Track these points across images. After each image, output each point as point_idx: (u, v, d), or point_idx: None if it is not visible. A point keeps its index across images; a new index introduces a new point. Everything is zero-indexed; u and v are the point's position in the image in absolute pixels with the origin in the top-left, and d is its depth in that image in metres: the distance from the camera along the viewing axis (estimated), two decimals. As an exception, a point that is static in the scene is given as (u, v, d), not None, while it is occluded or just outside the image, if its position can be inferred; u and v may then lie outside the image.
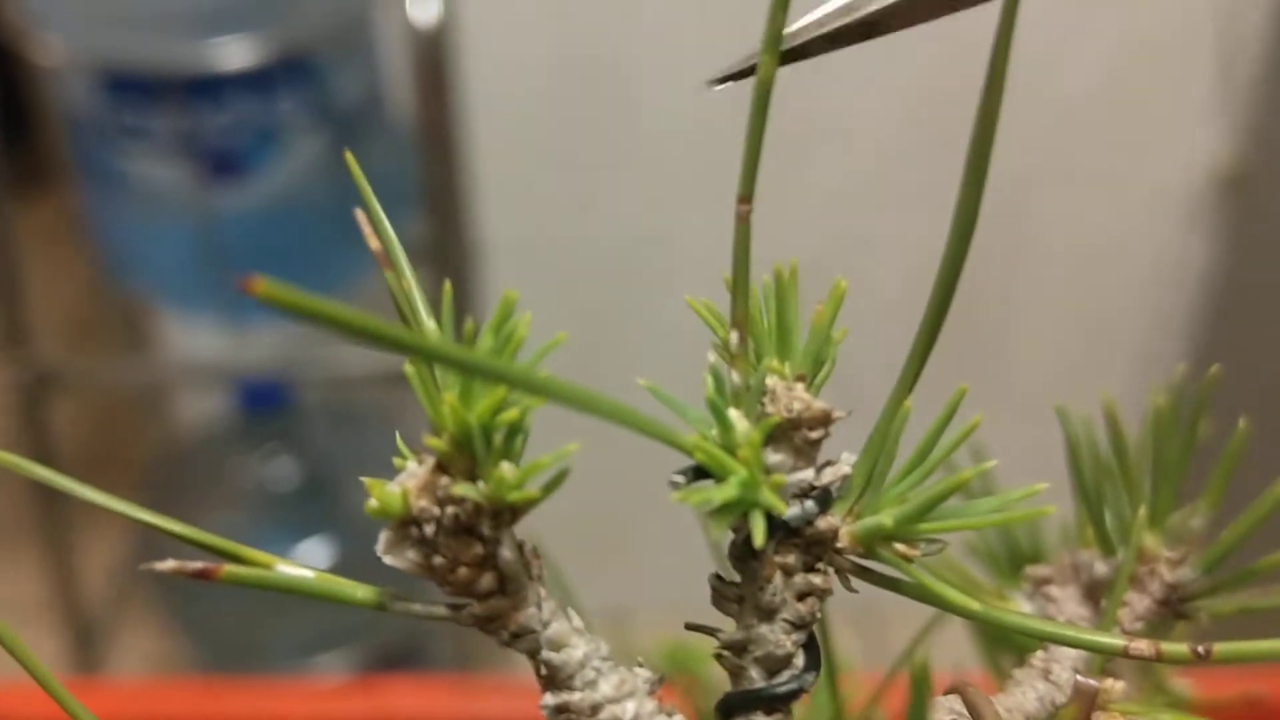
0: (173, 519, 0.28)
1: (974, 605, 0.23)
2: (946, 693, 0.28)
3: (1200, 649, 0.24)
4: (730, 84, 0.27)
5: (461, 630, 0.25)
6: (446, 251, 1.21)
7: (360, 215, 0.29)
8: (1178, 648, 0.24)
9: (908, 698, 0.26)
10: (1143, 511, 0.31)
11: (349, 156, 0.28)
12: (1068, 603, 0.34)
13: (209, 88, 1.16)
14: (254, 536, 1.42)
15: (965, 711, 0.27)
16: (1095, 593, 0.34)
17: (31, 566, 1.34)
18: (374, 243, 0.29)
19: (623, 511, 1.58)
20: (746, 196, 0.22)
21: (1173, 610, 0.32)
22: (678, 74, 1.37)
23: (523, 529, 0.25)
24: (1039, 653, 0.30)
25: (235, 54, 1.13)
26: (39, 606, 1.35)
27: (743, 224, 0.23)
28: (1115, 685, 0.31)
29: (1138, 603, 0.32)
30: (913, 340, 0.24)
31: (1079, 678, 0.30)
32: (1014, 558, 0.43)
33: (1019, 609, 0.34)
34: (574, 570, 0.50)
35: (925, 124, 1.37)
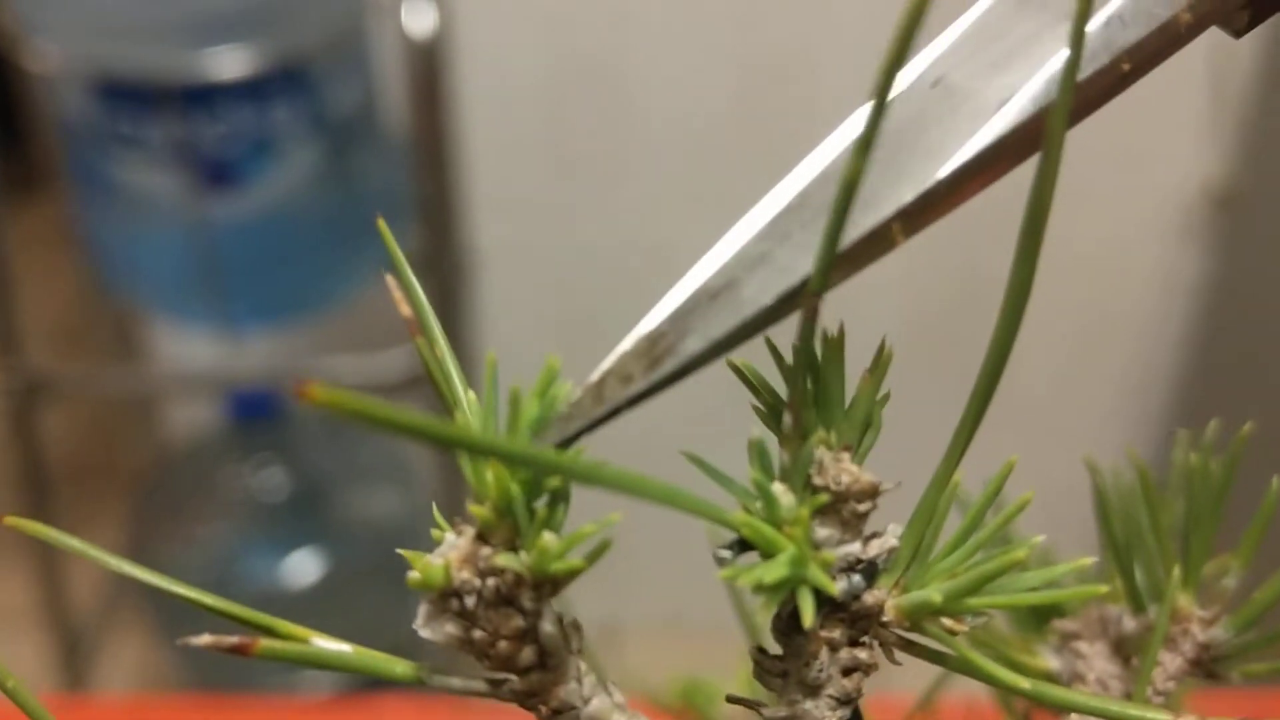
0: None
1: (1024, 684, 0.23)
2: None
3: (1249, 727, 0.24)
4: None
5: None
6: (441, 261, 1.20)
7: (391, 280, 0.29)
8: (1226, 725, 0.24)
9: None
10: (1177, 571, 0.31)
11: (385, 230, 0.28)
12: (1096, 659, 0.33)
13: (204, 97, 1.15)
14: (244, 546, 1.42)
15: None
16: (1123, 648, 0.34)
17: (20, 576, 1.33)
18: (405, 309, 0.28)
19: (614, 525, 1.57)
20: (819, 291, 0.22)
21: (1204, 670, 0.32)
22: (673, 84, 1.37)
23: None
24: (1073, 715, 0.30)
25: (231, 63, 1.13)
26: (26, 617, 1.35)
27: (810, 318, 0.22)
28: (1149, 749, 0.30)
29: (1169, 662, 0.32)
30: (961, 414, 0.24)
31: (1115, 743, 0.29)
32: (1034, 607, 0.43)
33: (1047, 665, 0.34)
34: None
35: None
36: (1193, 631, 0.31)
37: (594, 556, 0.23)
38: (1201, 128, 1.42)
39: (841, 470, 0.23)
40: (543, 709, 0.23)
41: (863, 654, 0.24)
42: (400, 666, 0.23)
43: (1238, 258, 1.47)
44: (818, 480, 0.23)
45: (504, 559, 0.22)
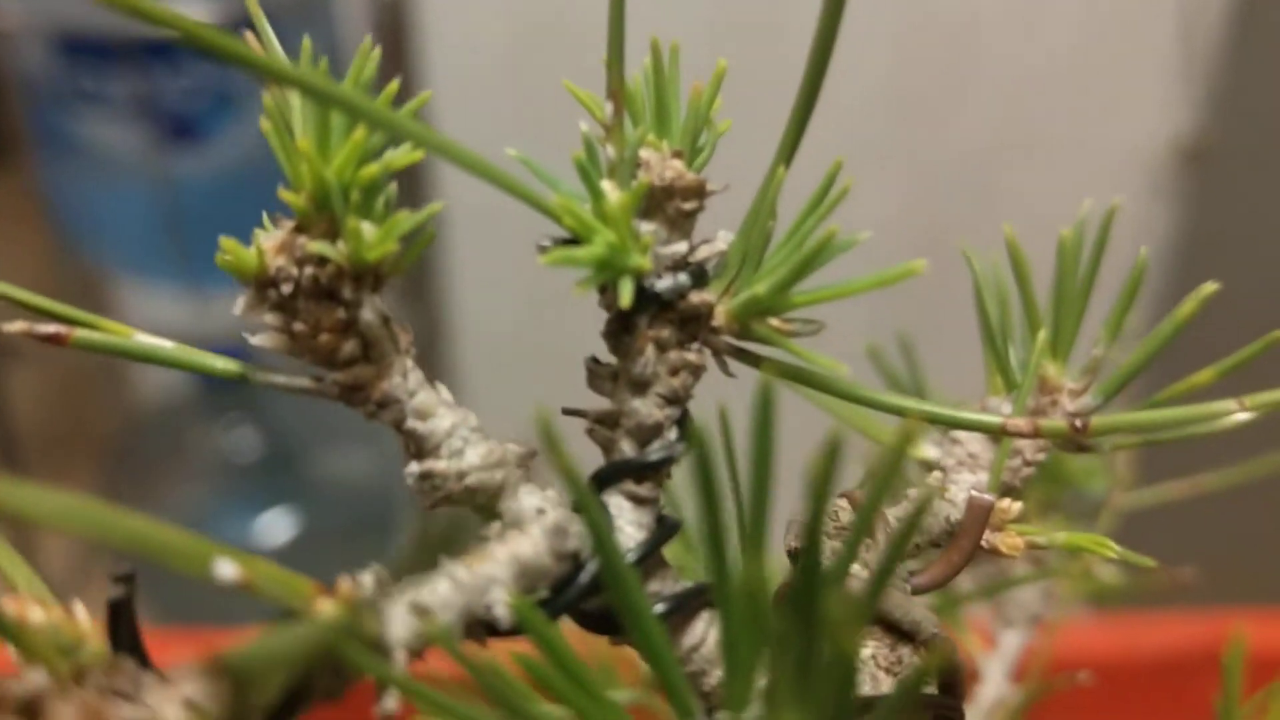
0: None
1: (843, 382, 0.23)
2: (838, 497, 0.27)
3: (1078, 422, 0.24)
4: None
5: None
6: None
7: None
8: (1055, 423, 0.24)
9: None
10: (1042, 335, 0.31)
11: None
12: (971, 443, 0.33)
13: (166, 51, 1.15)
14: (216, 507, 1.42)
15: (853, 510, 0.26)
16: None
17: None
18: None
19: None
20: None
21: (1074, 444, 0.32)
22: (642, 45, 1.37)
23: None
24: (935, 472, 0.30)
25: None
26: (-4, 581, 1.34)
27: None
28: (1013, 506, 0.30)
29: (1040, 434, 0.32)
30: (790, 115, 0.24)
31: (974, 493, 0.29)
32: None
33: (925, 453, 0.34)
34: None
35: (893, 85, 1.37)
36: (1062, 402, 0.31)
37: (417, 246, 0.23)
38: (1172, 81, 1.42)
39: (667, 167, 0.23)
40: (368, 404, 0.23)
41: (690, 355, 0.24)
42: (221, 362, 0.23)
43: (1207, 211, 1.47)
44: (644, 177, 0.24)
45: (318, 245, 0.22)
